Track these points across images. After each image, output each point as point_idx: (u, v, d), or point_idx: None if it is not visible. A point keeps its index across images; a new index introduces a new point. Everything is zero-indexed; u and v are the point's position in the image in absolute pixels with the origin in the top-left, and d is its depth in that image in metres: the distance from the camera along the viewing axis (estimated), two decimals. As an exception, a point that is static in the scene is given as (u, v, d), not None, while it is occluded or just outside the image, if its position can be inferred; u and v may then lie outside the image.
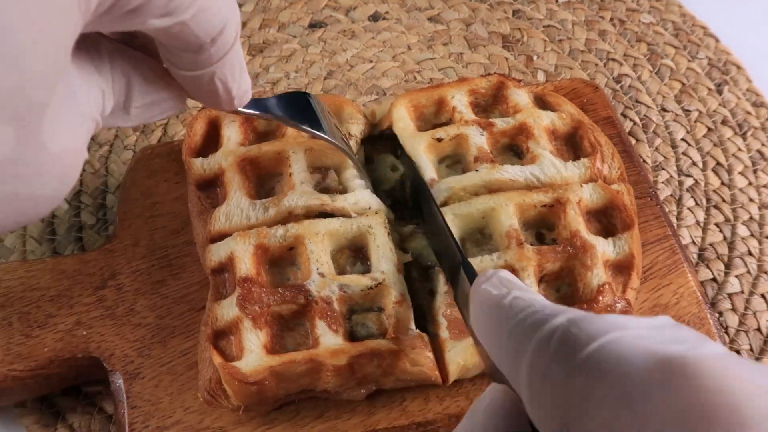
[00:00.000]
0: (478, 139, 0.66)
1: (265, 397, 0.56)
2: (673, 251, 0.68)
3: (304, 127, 0.58)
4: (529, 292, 0.42)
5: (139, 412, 0.60)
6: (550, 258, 0.60)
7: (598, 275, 0.60)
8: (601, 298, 0.58)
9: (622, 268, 0.62)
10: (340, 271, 0.60)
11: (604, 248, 0.62)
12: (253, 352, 0.55)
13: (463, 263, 0.52)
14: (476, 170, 0.64)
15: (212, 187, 0.66)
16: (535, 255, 0.60)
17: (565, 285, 0.62)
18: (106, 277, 0.66)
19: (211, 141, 0.68)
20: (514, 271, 0.59)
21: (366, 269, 0.60)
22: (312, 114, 0.59)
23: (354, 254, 0.62)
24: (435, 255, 0.63)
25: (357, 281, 0.57)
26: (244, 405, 0.56)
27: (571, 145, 0.70)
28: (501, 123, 0.68)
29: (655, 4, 0.99)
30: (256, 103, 0.54)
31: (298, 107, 0.59)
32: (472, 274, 0.50)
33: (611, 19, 0.97)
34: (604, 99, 0.77)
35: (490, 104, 0.72)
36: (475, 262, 0.60)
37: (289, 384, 0.56)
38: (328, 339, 0.55)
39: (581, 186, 0.65)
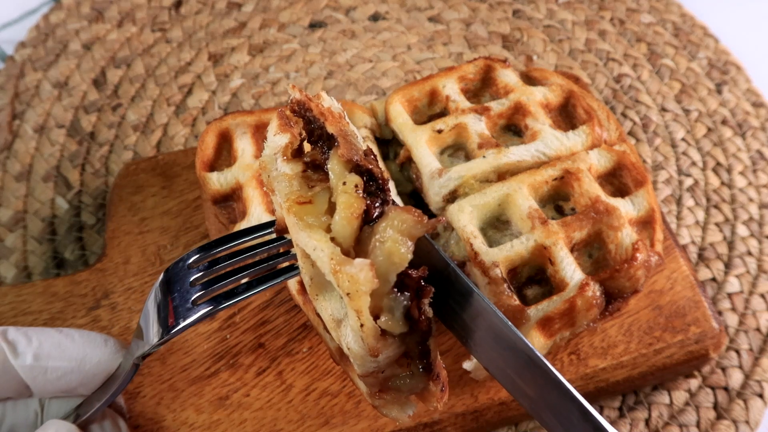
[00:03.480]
0: (478, 126, 0.67)
1: None
2: (664, 236, 0.68)
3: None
4: None
5: (142, 431, 0.60)
6: (577, 227, 0.61)
7: (629, 234, 0.61)
8: (639, 255, 0.59)
9: (645, 223, 0.64)
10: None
11: (625, 208, 0.63)
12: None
13: None
14: (483, 156, 0.65)
15: (228, 201, 0.65)
16: (562, 228, 0.61)
17: (595, 250, 0.63)
18: (99, 297, 0.66)
19: (222, 153, 0.68)
20: (545, 248, 0.60)
21: None
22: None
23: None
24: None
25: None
26: None
27: (566, 115, 0.71)
28: (497, 106, 0.68)
29: (655, 4, 0.99)
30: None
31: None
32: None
33: (611, 19, 0.97)
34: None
35: (479, 88, 0.73)
36: (506, 247, 0.60)
37: None
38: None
39: (587, 153, 0.65)
